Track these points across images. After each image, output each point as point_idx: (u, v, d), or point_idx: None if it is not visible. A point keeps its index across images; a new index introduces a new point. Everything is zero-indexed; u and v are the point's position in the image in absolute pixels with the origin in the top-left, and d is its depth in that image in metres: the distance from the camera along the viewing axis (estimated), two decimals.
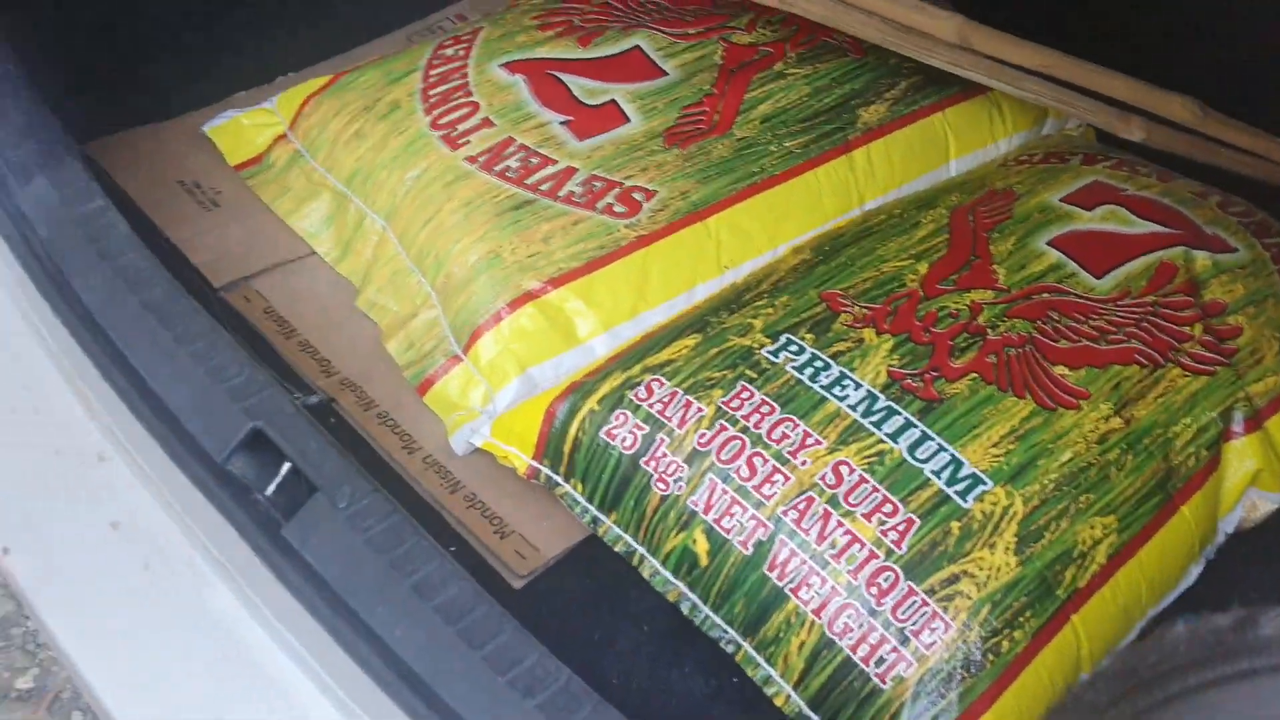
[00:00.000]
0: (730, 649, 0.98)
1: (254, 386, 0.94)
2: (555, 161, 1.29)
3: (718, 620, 0.98)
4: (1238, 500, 1.06)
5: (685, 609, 1.00)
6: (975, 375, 1.03)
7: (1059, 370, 1.04)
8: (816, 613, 0.93)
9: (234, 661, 0.87)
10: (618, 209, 1.26)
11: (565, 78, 1.37)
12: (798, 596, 0.94)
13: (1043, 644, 0.91)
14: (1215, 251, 1.17)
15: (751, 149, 1.34)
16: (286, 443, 0.90)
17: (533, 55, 1.39)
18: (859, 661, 0.91)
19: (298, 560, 0.86)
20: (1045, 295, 1.11)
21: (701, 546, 0.98)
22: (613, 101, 1.35)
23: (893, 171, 1.38)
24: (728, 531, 0.98)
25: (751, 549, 0.96)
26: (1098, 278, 1.13)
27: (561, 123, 1.32)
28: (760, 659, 0.96)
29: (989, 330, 1.07)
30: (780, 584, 0.95)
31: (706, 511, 0.99)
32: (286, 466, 0.90)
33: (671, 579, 1.01)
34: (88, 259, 1.02)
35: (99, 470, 0.96)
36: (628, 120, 1.34)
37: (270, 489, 0.90)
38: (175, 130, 1.45)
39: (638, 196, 1.28)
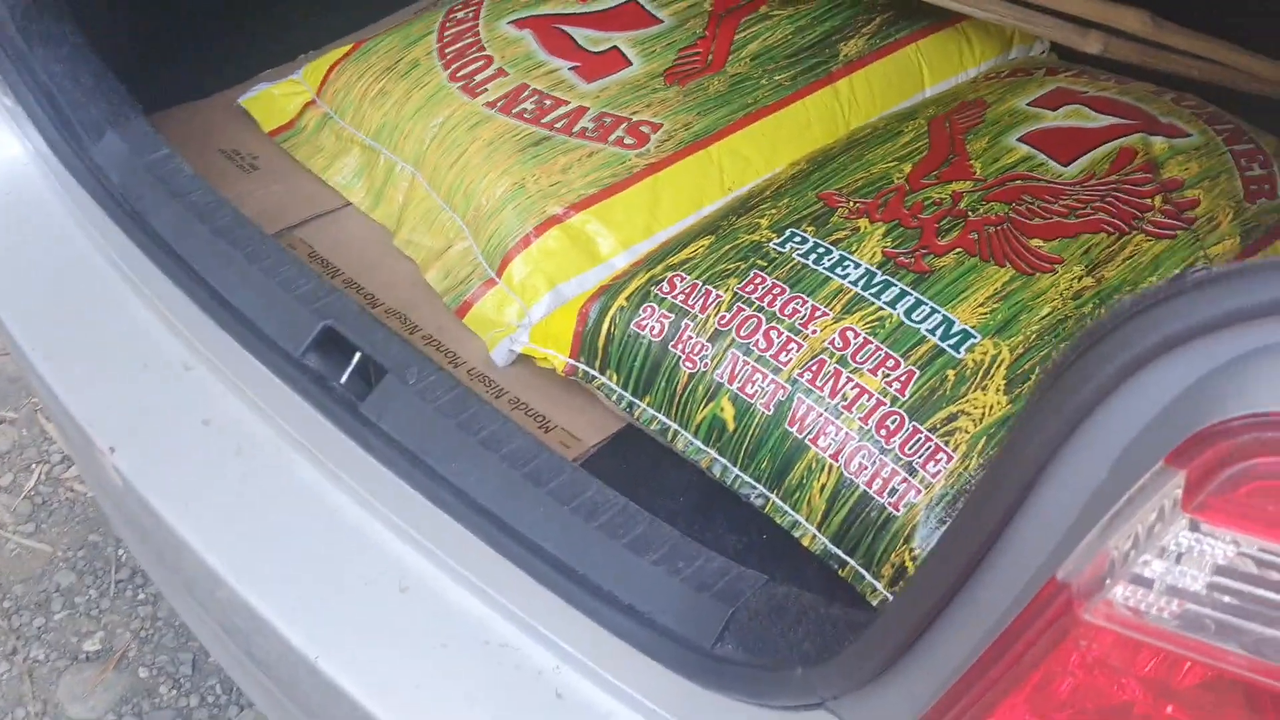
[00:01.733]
0: (760, 502, 1.11)
1: (321, 292, 1.07)
2: (567, 102, 1.42)
3: (747, 478, 1.11)
4: None
5: (717, 472, 1.13)
6: (960, 249, 1.17)
7: (1034, 242, 1.18)
8: (834, 457, 1.06)
9: (324, 520, 1.00)
10: (628, 141, 1.40)
11: (569, 29, 1.51)
12: (816, 445, 1.07)
13: None
14: (1170, 136, 1.31)
15: (744, 83, 1.47)
16: (356, 335, 1.03)
17: (537, 12, 1.52)
18: (874, 494, 1.04)
19: (376, 431, 0.98)
20: (1018, 182, 1.25)
21: (728, 413, 1.11)
22: (615, 48, 1.49)
23: (874, 99, 1.52)
24: (751, 396, 1.11)
25: (773, 409, 1.10)
26: (1065, 165, 1.27)
27: (570, 68, 1.46)
28: (787, 506, 1.09)
29: (970, 213, 1.21)
30: (800, 436, 1.08)
31: (731, 381, 1.12)
32: (357, 356, 1.03)
33: (704, 447, 1.14)
34: (159, 198, 1.15)
35: (186, 377, 1.09)
36: (630, 63, 1.47)
37: (344, 377, 1.03)
38: (211, 106, 1.59)
39: (645, 129, 1.41)
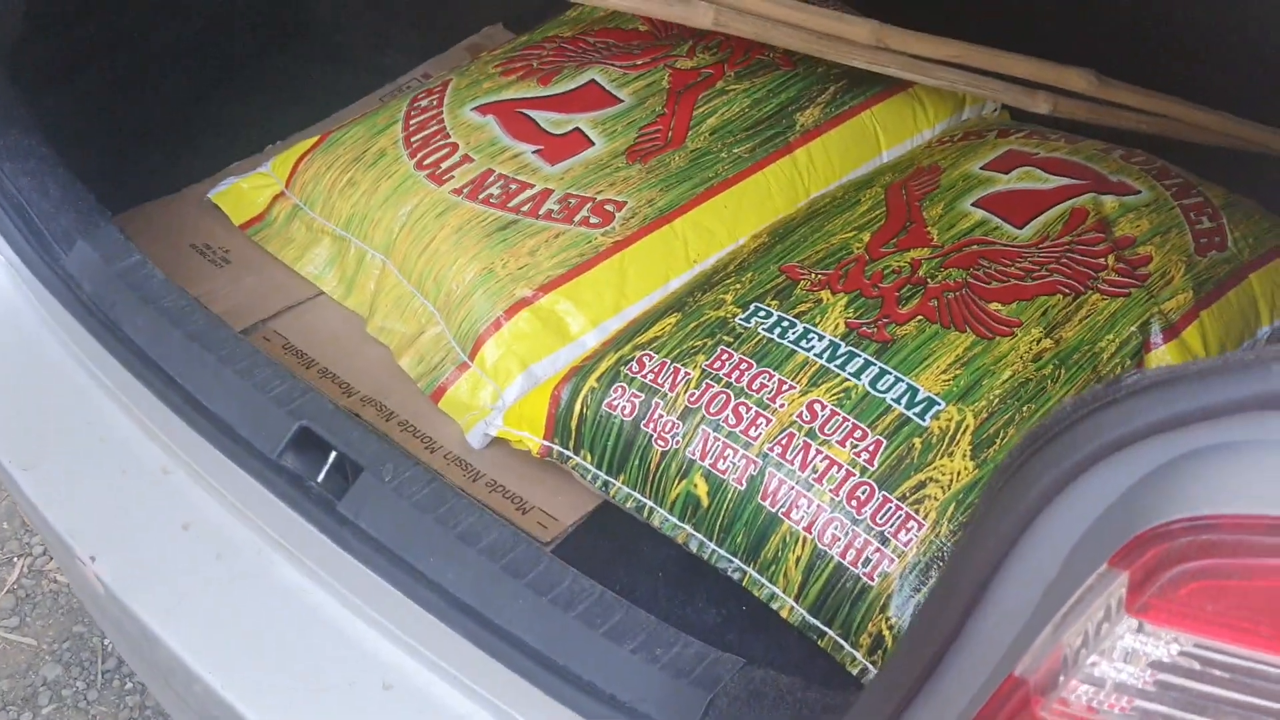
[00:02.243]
0: (737, 576, 1.13)
1: (296, 393, 1.09)
2: (532, 185, 1.45)
3: (723, 553, 1.13)
4: None
5: (694, 547, 1.15)
6: (921, 317, 1.19)
7: (993, 306, 1.21)
8: (807, 529, 1.08)
9: (305, 620, 1.01)
10: (593, 220, 1.43)
11: (531, 113, 1.54)
12: (789, 518, 1.09)
13: None
14: (1121, 195, 1.35)
15: (705, 158, 1.51)
16: (331, 435, 1.05)
17: (500, 97, 1.55)
18: (848, 565, 1.06)
19: (355, 529, 1.00)
20: (975, 247, 1.28)
21: (702, 489, 1.13)
22: (577, 129, 1.52)
23: (831, 166, 1.55)
24: (723, 473, 1.13)
25: (745, 484, 1.12)
26: (1019, 228, 1.30)
27: (534, 151, 1.49)
28: (764, 579, 1.11)
29: (929, 280, 1.23)
30: (773, 510, 1.10)
31: (703, 458, 1.14)
32: (333, 455, 1.04)
33: (679, 523, 1.15)
34: (132, 305, 1.17)
35: (165, 481, 1.10)
36: (592, 143, 1.50)
37: (321, 476, 1.04)
38: (180, 202, 1.61)
39: (609, 208, 1.44)
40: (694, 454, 1.14)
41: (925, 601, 0.64)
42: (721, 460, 1.12)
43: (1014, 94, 1.48)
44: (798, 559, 1.08)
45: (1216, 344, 1.26)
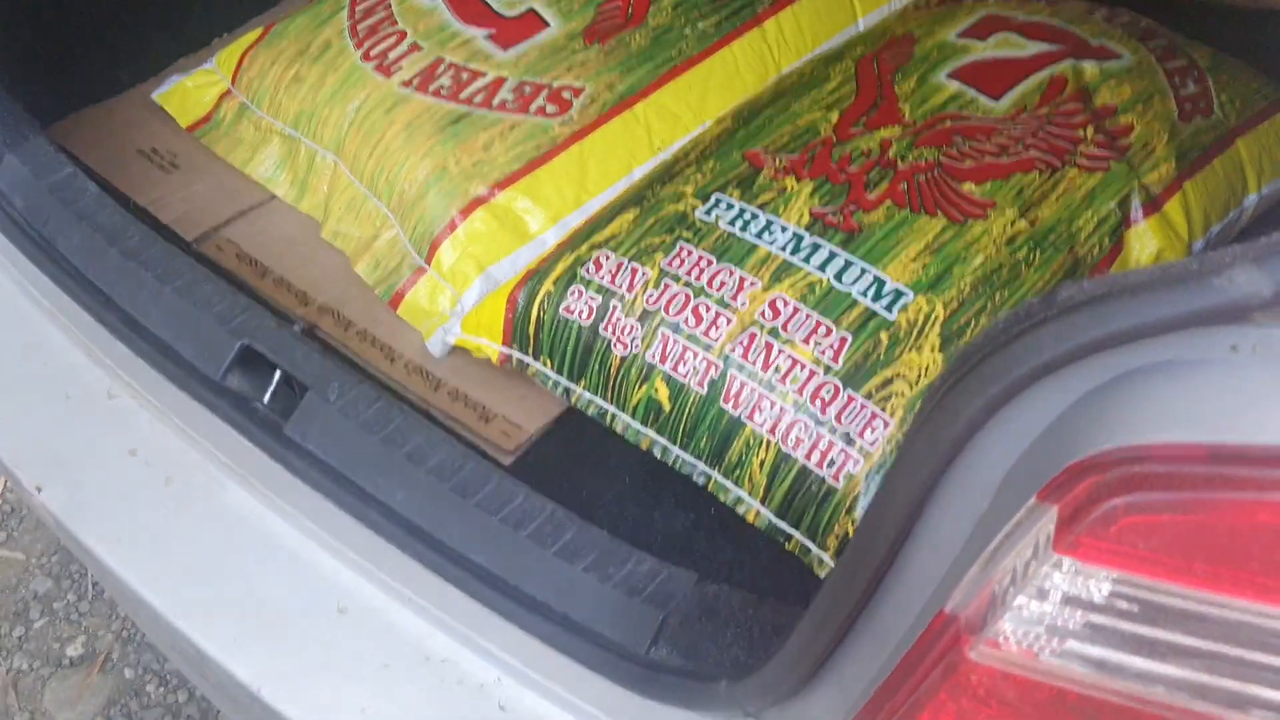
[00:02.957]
0: (702, 480, 1.10)
1: (237, 309, 1.05)
2: (484, 74, 1.38)
3: (687, 457, 1.10)
4: None
5: (658, 453, 1.12)
6: (889, 203, 1.14)
7: (966, 187, 1.15)
8: (771, 431, 1.05)
9: (258, 546, 0.99)
10: (549, 109, 1.36)
11: None
12: (752, 421, 1.05)
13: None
14: (1102, 60, 1.28)
15: (667, 35, 1.43)
16: (274, 353, 1.01)
17: None
18: (813, 467, 1.03)
19: (302, 452, 0.97)
20: (948, 123, 1.22)
21: (663, 394, 1.10)
22: (531, 10, 1.45)
23: (804, 37, 1.48)
24: (684, 376, 1.09)
25: (707, 387, 1.08)
26: (996, 99, 1.24)
27: (485, 36, 1.42)
28: (729, 483, 1.08)
29: (899, 161, 1.18)
30: (736, 413, 1.06)
31: (663, 362, 1.10)
32: (277, 374, 1.01)
33: (642, 429, 1.12)
34: (66, 221, 1.12)
35: (109, 406, 1.07)
36: (547, 25, 1.43)
37: (266, 397, 1.01)
38: (126, 103, 1.55)
39: (567, 95, 1.37)
40: (654, 358, 1.10)
41: (857, 531, 0.60)
42: (682, 364, 1.08)
43: None
44: (762, 462, 1.04)
45: (1200, 215, 1.21)
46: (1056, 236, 1.12)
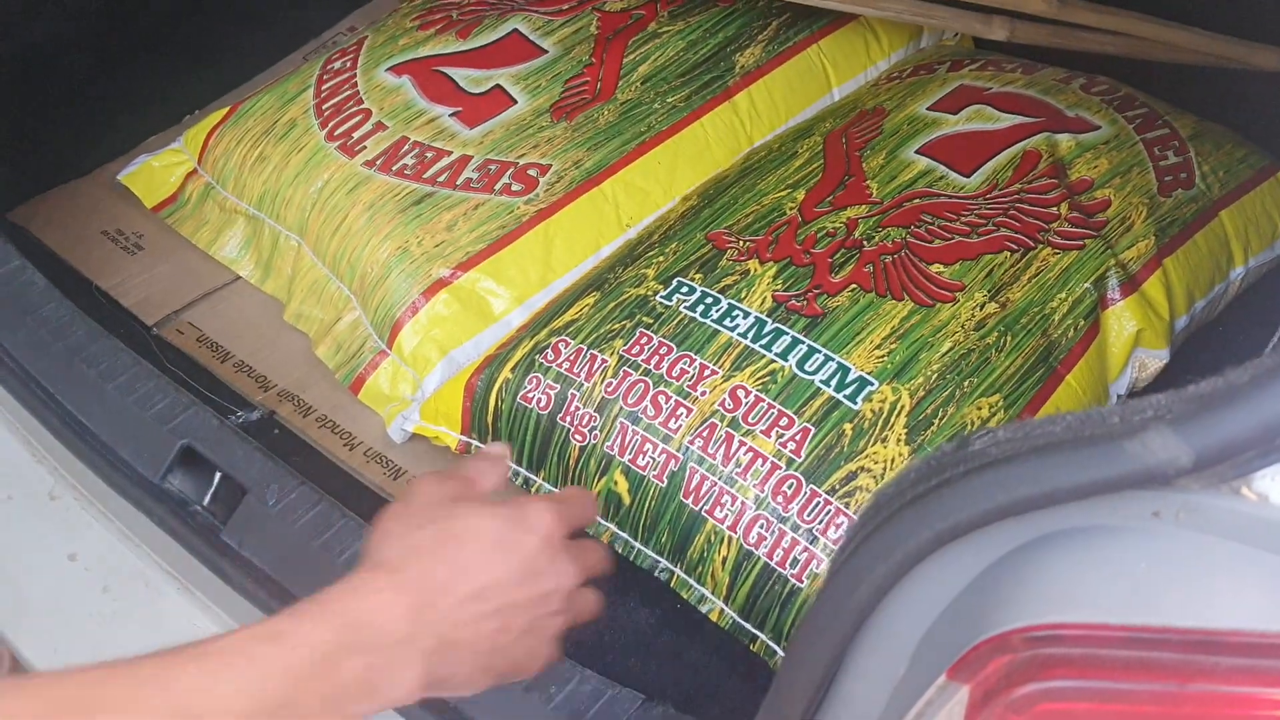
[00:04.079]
0: (664, 576, 1.06)
1: (178, 408, 1.01)
2: (449, 153, 1.36)
3: (649, 552, 1.06)
4: (1125, 363, 1.13)
5: (619, 547, 1.08)
6: (855, 286, 1.10)
7: (935, 269, 1.11)
8: (732, 528, 1.00)
9: None
10: (515, 188, 1.33)
11: (449, 71, 1.44)
12: (713, 516, 1.01)
13: None
14: (1078, 132, 1.24)
15: (636, 110, 1.41)
16: (214, 454, 0.98)
17: (416, 55, 1.46)
18: (775, 566, 0.99)
19: (239, 559, 0.93)
20: (917, 201, 1.18)
21: (622, 486, 1.06)
22: (497, 87, 1.42)
23: (776, 109, 1.45)
24: (643, 469, 1.05)
25: (667, 480, 1.04)
26: (966, 176, 1.20)
27: (451, 114, 1.39)
28: (691, 580, 1.04)
29: (865, 242, 1.14)
30: (696, 508, 1.02)
31: (622, 454, 1.06)
32: (218, 475, 0.97)
33: (602, 521, 1.08)
34: (10, 316, 1.09)
35: (51, 508, 1.04)
36: (514, 102, 1.41)
37: (207, 498, 0.97)
38: (92, 184, 1.53)
39: (532, 173, 1.35)
40: (613, 449, 1.06)
41: (769, 695, 0.56)
42: (641, 455, 1.04)
43: (967, 21, 1.37)
44: (724, 559, 1.00)
45: (1183, 292, 1.16)
46: (1029, 319, 1.08)
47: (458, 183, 1.33)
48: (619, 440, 1.07)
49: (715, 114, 1.43)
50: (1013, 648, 0.44)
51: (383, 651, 0.66)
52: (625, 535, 1.08)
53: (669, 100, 1.41)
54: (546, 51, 1.45)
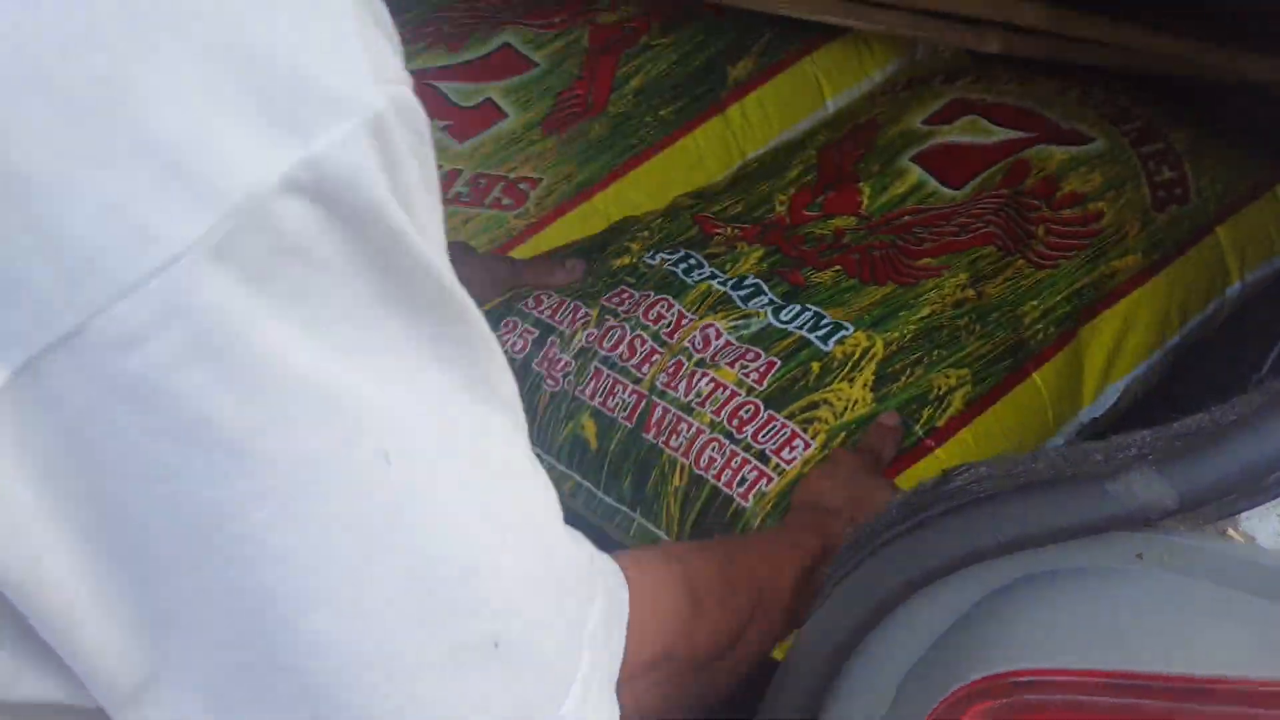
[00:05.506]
0: (625, 527, 1.16)
1: None
2: (439, 167, 1.34)
3: (610, 502, 1.18)
4: (1102, 380, 1.11)
5: (579, 502, 1.15)
6: (840, 268, 1.10)
7: (922, 261, 1.12)
8: (684, 454, 1.05)
9: None
10: (505, 201, 1.35)
11: (440, 84, 1.46)
12: (669, 446, 1.06)
13: (900, 470, 0.97)
14: (1072, 145, 1.23)
15: (628, 123, 1.43)
16: None
17: (408, 68, 1.44)
18: (723, 487, 1.07)
19: None
20: (907, 218, 1.17)
21: (590, 430, 1.13)
22: (488, 100, 1.44)
23: (769, 121, 1.47)
24: (612, 410, 1.12)
25: (635, 420, 1.07)
26: (957, 189, 1.20)
27: (443, 129, 1.42)
28: (649, 525, 1.13)
29: (854, 244, 1.13)
30: (656, 441, 1.03)
31: (593, 397, 1.11)
32: None
33: (566, 470, 1.19)
34: None
35: None
36: (505, 115, 1.43)
37: None
38: None
39: (523, 187, 1.36)
40: (584, 393, 1.17)
41: None
42: (611, 397, 1.15)
43: (960, 34, 1.38)
44: (675, 489, 1.10)
45: (1176, 309, 1.17)
46: (1000, 315, 1.14)
47: (448, 196, 1.33)
48: (592, 384, 1.08)
49: (707, 127, 1.46)
50: (995, 693, 0.44)
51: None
52: (588, 485, 1.12)
53: (661, 113, 1.44)
54: (537, 65, 1.47)
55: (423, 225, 0.48)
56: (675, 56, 1.60)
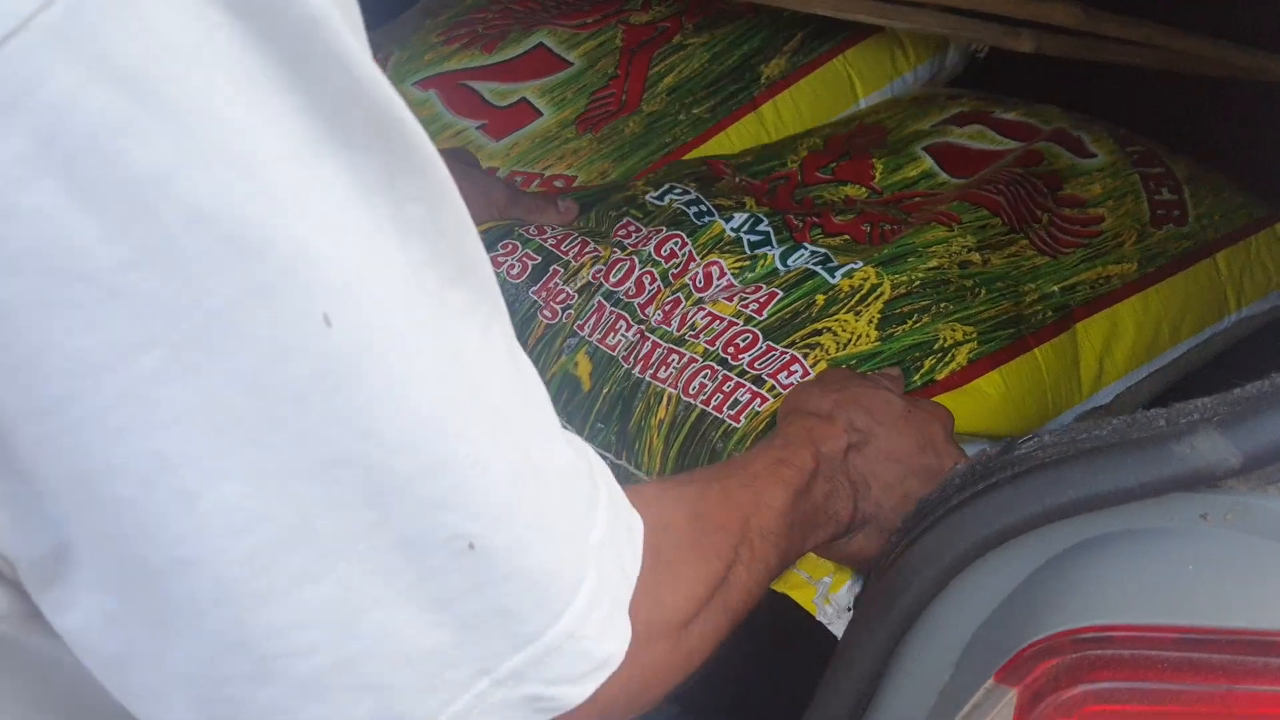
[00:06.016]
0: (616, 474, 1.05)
1: None
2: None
3: (596, 449, 1.05)
4: (1095, 390, 1.12)
5: None
6: (848, 236, 1.13)
7: (938, 209, 1.20)
8: (672, 384, 1.02)
9: None
10: None
11: (475, 85, 1.50)
12: (656, 378, 1.05)
13: None
14: (1075, 154, 1.24)
15: (662, 121, 1.47)
16: None
17: (442, 69, 1.50)
18: (712, 411, 1.10)
19: None
20: (918, 199, 1.18)
21: (584, 369, 1.11)
22: (523, 100, 1.48)
23: (801, 119, 1.52)
24: (612, 348, 1.08)
25: (632, 360, 1.03)
26: (966, 179, 1.24)
27: (478, 128, 1.45)
28: (630, 467, 1.11)
29: (864, 210, 1.16)
30: (643, 375, 1.00)
31: (592, 333, 1.06)
32: None
33: None
34: None
35: None
36: (540, 114, 1.46)
37: None
38: None
39: (559, 184, 1.37)
40: (583, 328, 1.12)
41: (815, 698, 0.56)
42: (611, 334, 1.10)
43: (995, 33, 1.42)
44: (660, 423, 1.01)
45: (1168, 326, 1.17)
46: (1004, 285, 1.23)
47: None
48: (593, 320, 1.06)
49: (740, 125, 1.50)
50: (1061, 650, 0.45)
51: (834, 480, 0.80)
52: (572, 430, 1.05)
53: (694, 111, 1.47)
54: (571, 64, 1.50)
55: (355, 25, 0.41)
56: (708, 55, 1.68)
